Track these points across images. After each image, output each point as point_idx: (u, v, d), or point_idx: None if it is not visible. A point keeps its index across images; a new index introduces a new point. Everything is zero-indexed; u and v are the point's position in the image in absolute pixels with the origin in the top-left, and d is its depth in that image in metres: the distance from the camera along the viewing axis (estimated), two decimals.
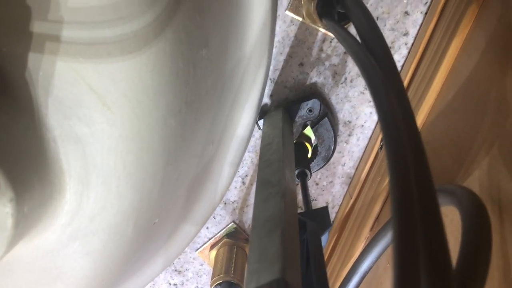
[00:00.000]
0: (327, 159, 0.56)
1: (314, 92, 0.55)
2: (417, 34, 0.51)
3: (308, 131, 0.55)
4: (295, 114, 0.54)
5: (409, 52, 0.52)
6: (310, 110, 0.54)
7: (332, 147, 0.56)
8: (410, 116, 0.25)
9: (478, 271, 0.25)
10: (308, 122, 0.54)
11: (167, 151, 0.36)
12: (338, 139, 0.57)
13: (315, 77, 0.54)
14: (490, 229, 0.27)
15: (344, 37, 0.33)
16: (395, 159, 0.22)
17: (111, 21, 0.29)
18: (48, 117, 0.30)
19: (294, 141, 0.55)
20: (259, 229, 0.30)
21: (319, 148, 0.56)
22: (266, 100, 0.56)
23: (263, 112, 0.56)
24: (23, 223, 0.28)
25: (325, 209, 0.39)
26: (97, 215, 0.33)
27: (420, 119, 0.46)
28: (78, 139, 0.31)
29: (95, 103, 0.30)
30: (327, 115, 0.54)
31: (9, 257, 0.34)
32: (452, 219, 0.35)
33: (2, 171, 0.26)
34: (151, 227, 0.40)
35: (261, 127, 0.54)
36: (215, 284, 0.57)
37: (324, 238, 0.37)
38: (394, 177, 0.21)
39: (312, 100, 0.53)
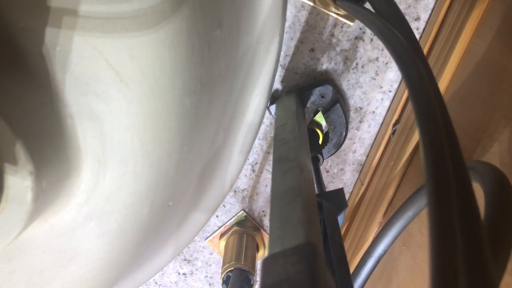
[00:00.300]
0: (339, 145, 0.56)
1: (325, 78, 0.55)
2: (428, 19, 0.51)
3: (320, 117, 0.55)
4: (307, 99, 0.53)
5: (420, 37, 0.52)
6: (322, 96, 0.53)
7: (344, 134, 0.56)
8: (437, 89, 0.25)
9: (503, 241, 0.24)
10: (320, 108, 0.54)
11: (182, 131, 0.36)
12: (349, 126, 0.57)
13: (326, 63, 0.54)
14: None
15: (364, 14, 0.33)
16: (429, 128, 0.22)
17: None
18: (65, 93, 0.29)
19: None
20: (278, 199, 0.30)
21: (330, 135, 0.56)
22: (276, 86, 0.56)
23: (274, 97, 0.56)
24: (42, 199, 0.27)
25: (340, 191, 0.39)
26: (113, 195, 0.33)
27: None
28: (95, 116, 0.30)
29: (113, 79, 0.30)
30: (339, 101, 0.54)
31: (24, 237, 0.34)
32: None
33: (22, 144, 0.26)
34: (165, 209, 0.40)
35: (272, 113, 0.54)
36: (226, 272, 0.57)
37: (340, 218, 0.37)
38: (429, 150, 0.21)
39: (325, 86, 0.53)
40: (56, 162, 0.29)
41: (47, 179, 0.28)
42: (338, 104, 0.54)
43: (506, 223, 0.25)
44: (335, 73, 0.54)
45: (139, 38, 0.29)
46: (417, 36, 0.52)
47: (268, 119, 0.58)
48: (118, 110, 0.30)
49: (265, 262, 0.23)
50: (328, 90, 0.53)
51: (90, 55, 0.29)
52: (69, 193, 0.32)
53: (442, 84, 0.45)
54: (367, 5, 0.40)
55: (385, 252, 0.41)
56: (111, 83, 0.30)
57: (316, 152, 0.51)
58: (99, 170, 0.32)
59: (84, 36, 0.28)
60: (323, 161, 0.51)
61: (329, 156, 0.58)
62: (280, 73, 0.55)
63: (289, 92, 0.55)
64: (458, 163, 0.21)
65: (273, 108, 0.54)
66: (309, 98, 0.53)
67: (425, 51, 0.50)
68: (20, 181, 0.26)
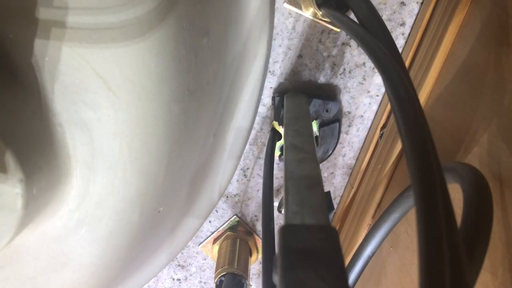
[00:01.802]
0: (321, 161, 0.57)
1: (313, 84, 0.56)
2: (413, 24, 0.52)
3: (314, 125, 0.56)
4: (310, 106, 0.54)
5: (406, 42, 0.53)
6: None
7: (330, 152, 0.57)
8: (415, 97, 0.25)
9: (480, 240, 0.25)
10: (319, 119, 0.55)
11: (171, 138, 0.36)
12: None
13: (314, 69, 0.55)
14: (491, 200, 0.27)
15: (346, 22, 0.33)
16: (415, 139, 0.22)
17: (115, 6, 0.29)
18: (55, 102, 0.30)
19: None
20: (296, 181, 0.30)
21: (317, 148, 0.56)
22: (266, 92, 0.57)
23: (279, 90, 0.56)
24: (32, 205, 0.28)
25: (327, 194, 0.40)
26: (104, 201, 0.34)
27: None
28: (84, 124, 0.31)
29: (101, 88, 0.30)
30: (339, 121, 0.55)
31: (16, 244, 0.35)
32: (453, 198, 0.35)
33: (12, 152, 0.26)
34: (156, 215, 0.40)
35: (275, 103, 0.54)
36: (219, 276, 0.57)
37: None
38: (415, 160, 0.22)
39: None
40: (46, 169, 0.30)
41: (37, 186, 0.28)
42: (337, 124, 0.55)
43: (483, 223, 0.26)
44: (323, 79, 0.55)
45: (126, 47, 0.30)
46: (403, 41, 0.53)
47: (259, 124, 0.59)
48: (107, 117, 0.31)
49: (288, 228, 0.24)
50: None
51: (78, 64, 0.30)
52: (60, 199, 0.32)
53: (427, 87, 0.46)
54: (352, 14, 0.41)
55: (373, 253, 0.42)
56: (99, 92, 0.30)
57: None
58: (89, 177, 0.33)
59: (72, 46, 0.29)
60: None
61: None
62: (269, 79, 0.56)
63: (298, 91, 0.55)
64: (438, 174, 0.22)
65: (278, 99, 0.54)
66: (313, 106, 0.54)
67: (410, 55, 0.51)
68: (10, 189, 0.26)
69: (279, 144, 0.56)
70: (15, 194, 0.27)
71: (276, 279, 0.23)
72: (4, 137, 0.26)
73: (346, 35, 0.52)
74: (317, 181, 0.31)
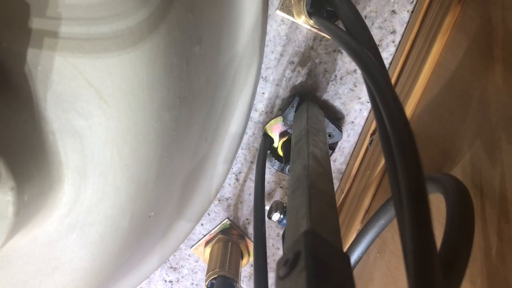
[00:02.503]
0: None
1: (305, 90, 0.56)
2: (404, 32, 0.53)
3: None
4: None
5: (396, 50, 0.54)
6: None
7: None
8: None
9: (462, 252, 0.26)
10: None
11: (161, 145, 0.37)
12: None
13: (306, 75, 0.55)
14: (473, 211, 0.28)
15: (335, 31, 0.34)
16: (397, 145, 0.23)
17: (107, 17, 0.30)
18: (47, 110, 0.31)
19: (287, 138, 0.57)
20: (318, 192, 0.31)
21: None
22: (258, 97, 0.57)
23: (301, 92, 0.57)
24: (24, 212, 0.29)
25: None
26: (94, 207, 0.34)
27: (407, 113, 0.47)
28: (76, 131, 0.32)
29: (92, 97, 0.31)
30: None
31: (8, 248, 0.35)
32: (438, 207, 0.36)
33: (3, 161, 0.27)
34: (146, 220, 0.41)
35: (295, 104, 0.54)
36: (210, 279, 0.58)
37: None
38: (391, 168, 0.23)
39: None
40: (37, 176, 0.30)
41: (28, 193, 0.29)
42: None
43: (464, 234, 0.27)
44: (314, 85, 0.56)
45: (118, 57, 0.31)
46: (393, 49, 0.54)
47: (251, 130, 0.60)
48: (98, 126, 0.32)
49: (316, 237, 0.25)
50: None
51: (71, 74, 0.30)
52: (52, 205, 0.33)
53: (415, 96, 0.47)
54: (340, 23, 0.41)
55: (360, 258, 0.43)
56: (90, 100, 0.31)
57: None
58: (80, 183, 0.33)
59: (65, 56, 0.30)
60: None
61: None
62: (261, 84, 0.56)
63: (315, 103, 0.56)
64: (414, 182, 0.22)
65: (297, 100, 0.55)
66: None
67: (400, 63, 0.52)
68: (2, 196, 0.27)
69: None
70: (6, 202, 0.27)
71: (281, 278, 0.23)
72: None
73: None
74: (335, 203, 0.32)
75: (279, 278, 0.23)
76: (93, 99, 0.31)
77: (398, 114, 0.23)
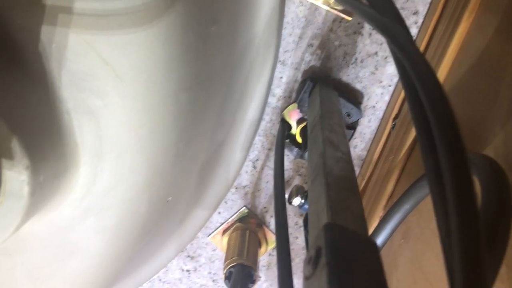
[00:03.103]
0: None
1: (324, 73, 0.55)
2: (427, 12, 0.51)
3: None
4: None
5: (419, 31, 0.52)
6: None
7: None
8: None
9: (500, 233, 0.25)
10: None
11: (178, 127, 0.36)
12: None
13: (325, 58, 0.54)
14: (510, 191, 0.26)
15: (358, 6, 0.33)
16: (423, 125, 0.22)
17: None
18: (62, 89, 0.30)
19: (306, 123, 0.55)
20: (336, 179, 0.30)
21: None
22: (276, 82, 0.56)
23: (311, 76, 0.55)
24: (39, 193, 0.28)
25: None
26: (111, 190, 0.34)
27: None
28: (91, 111, 0.31)
29: (108, 75, 0.30)
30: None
31: (24, 232, 0.34)
32: None
33: (18, 140, 0.26)
34: (164, 205, 0.40)
35: (306, 88, 0.53)
36: (228, 267, 0.57)
37: None
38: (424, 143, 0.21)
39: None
40: (53, 157, 0.29)
41: (44, 174, 0.28)
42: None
43: (501, 214, 0.25)
44: (334, 68, 0.54)
45: (133, 34, 0.30)
46: (416, 30, 0.52)
47: (269, 115, 0.58)
48: (114, 105, 0.31)
49: (336, 228, 0.24)
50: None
51: (85, 51, 0.29)
52: (68, 188, 0.32)
53: (440, 76, 0.45)
54: None
55: (383, 245, 0.41)
56: (106, 79, 0.30)
57: None
58: (96, 165, 0.32)
59: (79, 33, 0.29)
60: None
61: None
62: (279, 68, 0.55)
63: (331, 85, 0.54)
64: (457, 155, 0.21)
65: (310, 85, 0.53)
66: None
67: (423, 44, 0.50)
68: (17, 176, 0.26)
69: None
70: (21, 181, 0.26)
71: (308, 273, 0.22)
72: (11, 124, 0.26)
73: (358, 23, 0.51)
74: (356, 186, 0.31)
75: (305, 279, 0.22)
76: (108, 77, 0.30)
77: (434, 86, 0.22)
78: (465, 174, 0.18)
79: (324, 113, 0.43)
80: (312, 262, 0.22)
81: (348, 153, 0.37)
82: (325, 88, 0.51)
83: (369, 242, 0.24)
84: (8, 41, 0.29)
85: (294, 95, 0.57)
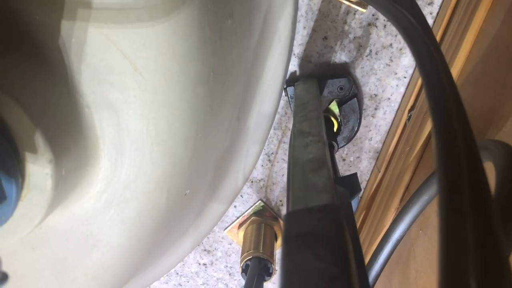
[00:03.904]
0: (349, 139, 0.56)
1: (339, 66, 0.55)
2: (442, 3, 0.51)
3: (334, 106, 0.55)
4: (324, 88, 0.54)
5: (434, 21, 0.52)
6: (341, 88, 0.53)
7: (356, 129, 0.56)
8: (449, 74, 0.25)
9: None
10: (336, 99, 0.54)
11: (196, 120, 0.36)
12: (364, 113, 0.57)
13: (339, 51, 0.54)
14: None
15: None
16: (441, 113, 0.22)
17: None
18: (81, 83, 0.30)
19: None
20: (301, 166, 0.30)
21: (342, 128, 0.56)
22: (291, 74, 0.56)
23: (291, 80, 0.56)
24: (62, 186, 0.28)
25: (354, 176, 0.39)
26: (132, 182, 0.34)
27: None
28: (111, 105, 0.31)
29: (127, 69, 0.30)
30: (356, 95, 0.54)
31: (47, 225, 0.35)
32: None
33: (41, 134, 0.26)
34: (182, 198, 0.40)
35: (290, 93, 0.54)
36: (245, 261, 0.57)
37: (354, 203, 0.37)
38: (440, 131, 0.21)
39: (345, 78, 0.53)
40: (74, 150, 0.30)
41: (66, 167, 0.29)
42: (355, 99, 0.54)
43: None
44: (349, 60, 0.54)
45: (152, 28, 0.30)
46: (431, 21, 0.52)
47: (283, 109, 0.58)
48: (133, 99, 0.31)
49: (289, 215, 0.23)
50: (347, 83, 0.53)
51: (105, 45, 0.30)
52: (89, 181, 0.33)
53: (456, 67, 0.45)
54: None
55: (402, 237, 0.41)
56: (125, 73, 0.30)
57: (331, 139, 0.51)
58: (116, 158, 0.33)
59: (98, 27, 0.29)
60: (338, 149, 0.51)
61: (339, 148, 0.58)
62: (293, 62, 0.55)
63: (309, 77, 0.55)
64: (468, 143, 0.21)
65: (290, 89, 0.54)
66: (327, 87, 0.54)
67: (439, 34, 0.50)
68: (40, 169, 0.27)
69: None
70: (45, 175, 0.27)
71: None
72: (33, 118, 0.27)
73: (373, 15, 0.51)
74: (323, 161, 0.30)
75: None
76: (127, 71, 0.30)
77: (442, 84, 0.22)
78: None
79: (296, 109, 0.44)
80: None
81: (318, 133, 0.37)
82: (302, 85, 0.52)
83: (326, 209, 0.23)
84: (28, 37, 0.29)
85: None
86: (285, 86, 0.55)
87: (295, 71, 0.56)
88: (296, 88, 0.52)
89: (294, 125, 0.40)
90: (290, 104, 0.55)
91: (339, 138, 0.56)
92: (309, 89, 0.50)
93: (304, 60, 0.55)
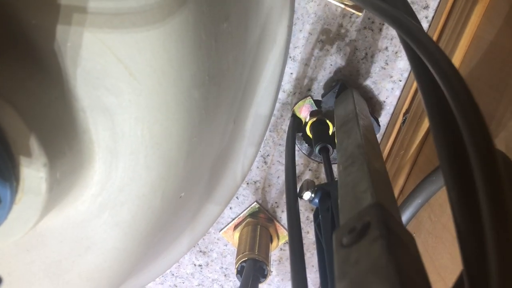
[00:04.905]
0: None
1: (335, 69, 0.55)
2: (437, 7, 0.51)
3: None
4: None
5: (429, 26, 0.52)
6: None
7: None
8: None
9: None
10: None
11: (191, 124, 0.37)
12: None
13: (335, 54, 0.54)
14: None
15: (369, 1, 0.33)
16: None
17: None
18: (77, 87, 0.30)
19: (315, 119, 0.55)
20: (376, 172, 0.31)
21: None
22: (286, 77, 0.56)
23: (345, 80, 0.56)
24: (56, 189, 0.29)
25: None
26: (126, 186, 0.34)
27: None
28: (106, 109, 0.31)
29: (122, 73, 0.31)
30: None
31: (41, 228, 0.35)
32: None
33: (36, 137, 0.27)
34: (177, 200, 0.41)
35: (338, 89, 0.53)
36: (240, 262, 0.57)
37: None
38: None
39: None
40: (69, 154, 0.30)
41: (60, 171, 0.29)
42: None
43: None
44: (344, 63, 0.55)
45: (147, 32, 0.30)
46: (426, 25, 0.52)
47: (279, 111, 0.59)
48: (128, 103, 0.31)
49: (385, 209, 0.24)
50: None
51: (100, 50, 0.30)
52: (83, 184, 0.33)
53: None
54: None
55: None
56: (120, 77, 0.31)
57: (326, 142, 0.51)
58: (111, 162, 0.33)
59: (93, 32, 0.29)
60: (333, 152, 0.51)
61: None
62: (289, 64, 0.55)
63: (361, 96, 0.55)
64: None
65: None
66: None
67: (434, 38, 0.50)
68: (35, 173, 0.27)
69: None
70: (39, 178, 0.27)
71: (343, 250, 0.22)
72: (28, 122, 0.27)
73: (369, 18, 0.51)
74: (389, 180, 0.31)
75: (341, 246, 0.22)
76: (122, 75, 0.31)
77: (451, 71, 0.22)
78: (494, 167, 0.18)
79: (359, 114, 0.44)
80: (357, 232, 0.22)
81: (381, 154, 0.37)
82: (357, 94, 0.51)
83: (407, 231, 0.24)
84: (23, 41, 0.29)
85: (304, 90, 0.57)
86: (337, 78, 0.55)
87: (291, 73, 0.56)
88: (354, 94, 0.51)
89: (358, 125, 0.40)
90: (329, 94, 0.53)
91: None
92: (365, 108, 0.49)
93: (300, 63, 0.55)
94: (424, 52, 0.24)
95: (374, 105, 0.57)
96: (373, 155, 0.34)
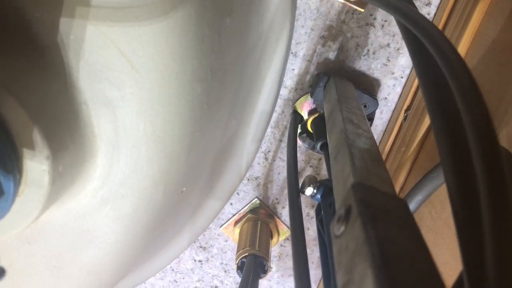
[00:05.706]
0: None
1: (337, 65, 0.55)
2: (439, 4, 0.51)
3: None
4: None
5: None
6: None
7: None
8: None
9: None
10: None
11: (193, 118, 0.37)
12: None
13: (337, 50, 0.54)
14: None
15: None
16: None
17: None
18: (80, 80, 0.30)
19: (317, 114, 0.55)
20: (358, 150, 0.31)
21: None
22: (288, 74, 0.56)
23: (324, 70, 0.55)
24: (58, 182, 0.29)
25: None
26: (128, 179, 0.34)
27: None
28: (109, 102, 0.31)
29: (125, 67, 0.31)
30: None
31: (43, 221, 0.35)
32: None
33: (39, 130, 0.27)
34: (179, 195, 0.41)
35: (322, 82, 0.53)
36: (240, 258, 0.58)
37: None
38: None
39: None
40: (72, 147, 0.30)
41: (63, 163, 0.29)
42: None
43: None
44: (346, 60, 0.55)
45: (149, 26, 0.30)
46: None
47: (281, 107, 0.59)
48: (130, 96, 0.31)
49: (363, 186, 0.24)
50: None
51: (103, 43, 0.30)
52: (85, 177, 0.33)
53: None
54: None
55: None
56: (123, 70, 0.31)
57: (326, 138, 0.51)
58: (113, 155, 0.33)
59: (97, 25, 0.29)
60: None
61: None
62: (291, 60, 0.55)
63: (345, 77, 0.55)
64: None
65: (324, 78, 0.53)
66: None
67: None
68: (38, 165, 0.27)
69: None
70: (42, 171, 0.27)
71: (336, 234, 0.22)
72: (31, 115, 0.27)
73: (371, 15, 0.51)
74: (380, 158, 0.31)
75: (336, 238, 0.22)
76: (125, 69, 0.31)
77: (458, 63, 0.22)
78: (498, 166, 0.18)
79: (341, 98, 0.44)
80: (342, 219, 0.22)
81: (369, 130, 0.37)
82: (339, 80, 0.51)
83: (400, 200, 0.24)
84: (27, 34, 0.29)
85: (306, 86, 0.57)
86: (316, 72, 0.54)
87: (293, 69, 0.56)
88: (335, 80, 0.51)
89: (341, 112, 0.39)
90: (316, 89, 0.53)
91: None
92: (349, 89, 0.49)
93: (302, 59, 0.55)
94: (430, 41, 0.24)
95: (376, 94, 0.57)
96: (358, 136, 0.34)
